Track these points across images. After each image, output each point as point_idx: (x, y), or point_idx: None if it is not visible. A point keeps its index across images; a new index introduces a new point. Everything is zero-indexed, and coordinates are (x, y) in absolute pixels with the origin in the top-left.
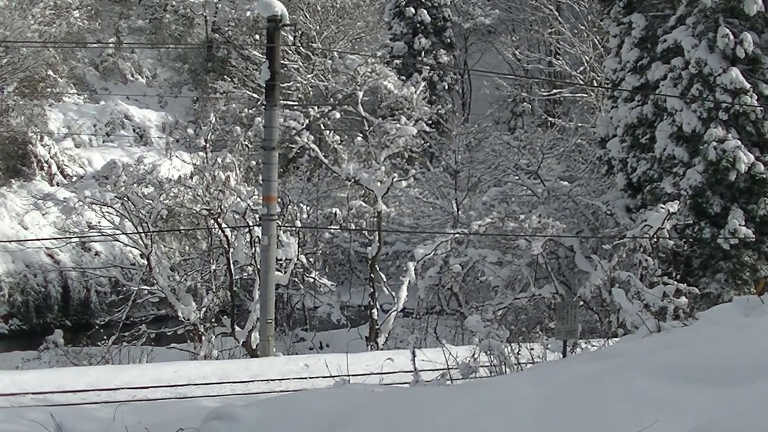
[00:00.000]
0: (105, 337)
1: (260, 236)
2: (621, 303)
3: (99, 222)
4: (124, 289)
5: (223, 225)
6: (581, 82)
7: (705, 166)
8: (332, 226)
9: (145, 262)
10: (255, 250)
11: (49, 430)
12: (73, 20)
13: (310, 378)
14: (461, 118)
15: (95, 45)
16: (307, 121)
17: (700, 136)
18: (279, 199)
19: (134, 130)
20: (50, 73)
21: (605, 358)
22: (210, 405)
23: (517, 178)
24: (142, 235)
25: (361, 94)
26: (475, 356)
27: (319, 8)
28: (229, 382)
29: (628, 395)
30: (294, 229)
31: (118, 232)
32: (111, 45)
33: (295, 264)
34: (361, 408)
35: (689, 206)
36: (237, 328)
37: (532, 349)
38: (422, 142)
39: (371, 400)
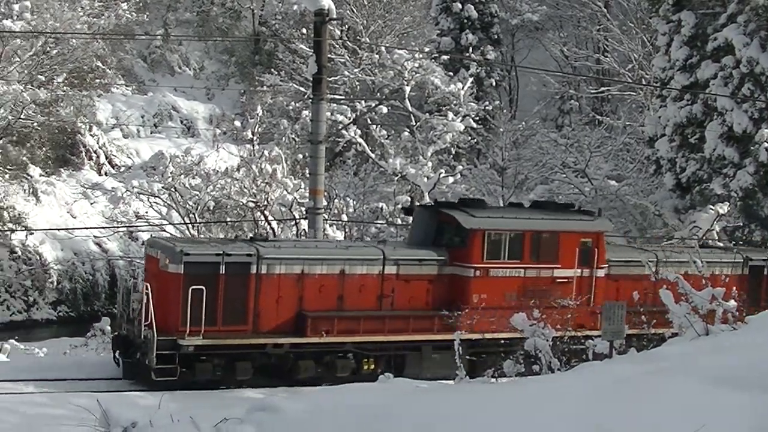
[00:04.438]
0: None
1: (306, 229)
2: (668, 305)
3: (146, 212)
4: None
5: (270, 217)
6: (629, 80)
7: (756, 168)
8: (378, 221)
9: None
10: None
11: (95, 415)
12: (121, 12)
13: None
14: (508, 114)
15: (143, 37)
16: (354, 115)
17: (751, 136)
18: (325, 193)
19: (182, 122)
20: (99, 64)
21: (652, 361)
22: (253, 396)
23: (564, 176)
24: (189, 225)
25: (408, 89)
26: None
27: (366, 2)
28: None
29: (674, 398)
30: (340, 223)
31: (165, 222)
32: (159, 37)
33: None
34: (404, 403)
35: (739, 208)
36: None
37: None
38: (469, 138)
39: (415, 396)
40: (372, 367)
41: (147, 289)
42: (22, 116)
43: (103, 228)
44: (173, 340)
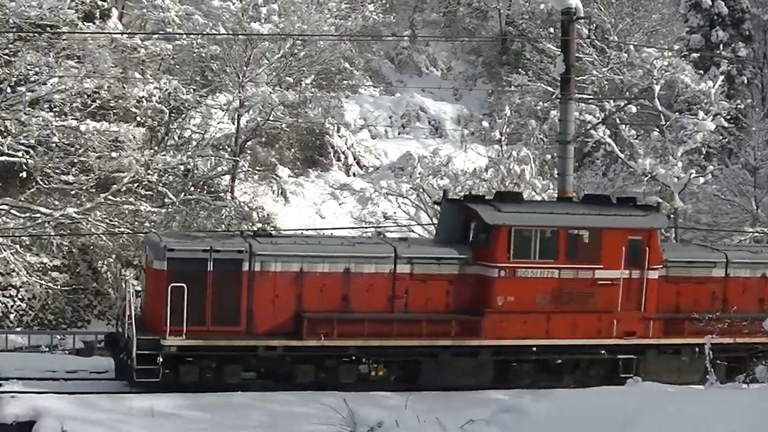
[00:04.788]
0: None
1: None
2: None
3: (394, 212)
4: None
5: None
6: None
7: None
8: None
9: None
10: None
11: (342, 414)
12: (368, 14)
13: None
14: (761, 113)
15: (390, 38)
16: (602, 114)
17: None
18: (574, 194)
19: (429, 123)
20: (346, 65)
21: None
22: (498, 397)
23: None
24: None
25: (657, 88)
26: None
27: (613, 1)
28: None
29: None
30: None
31: (413, 223)
32: (406, 38)
33: None
34: (652, 406)
35: None
36: None
37: None
38: (720, 137)
39: (664, 399)
40: (381, 373)
41: (130, 286)
42: (270, 118)
43: (351, 228)
44: (156, 340)
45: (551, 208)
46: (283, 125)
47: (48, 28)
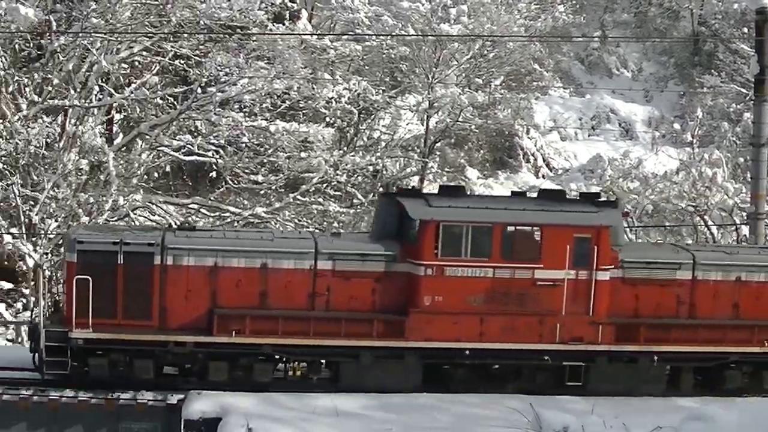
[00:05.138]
0: None
1: (747, 235)
2: None
3: None
4: None
5: (709, 222)
6: None
7: None
8: None
9: None
10: None
11: (527, 418)
12: (558, 14)
13: None
14: None
15: (580, 39)
16: None
17: None
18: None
19: (620, 125)
20: (536, 66)
21: None
22: (685, 404)
23: None
24: (628, 229)
25: None
26: None
27: None
28: None
29: None
30: None
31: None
32: (596, 39)
33: None
34: None
35: None
36: None
37: None
38: None
39: None
40: (299, 373)
41: (42, 276)
42: (460, 119)
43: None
44: (65, 332)
45: (489, 203)
46: (473, 126)
47: (238, 30)
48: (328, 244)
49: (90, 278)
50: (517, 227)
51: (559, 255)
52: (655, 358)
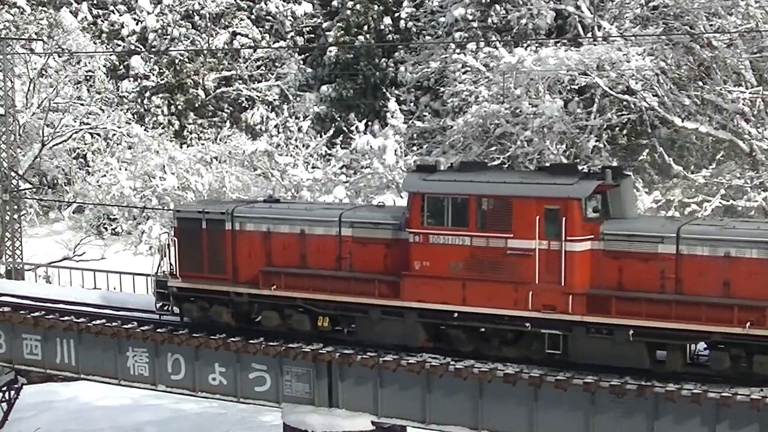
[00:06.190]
0: None
1: None
2: None
3: None
4: None
5: None
6: None
7: None
8: None
9: None
10: None
11: None
12: None
13: None
14: None
15: None
16: None
17: None
18: None
19: None
20: None
21: None
22: None
23: None
24: None
25: None
26: None
27: None
28: None
29: None
30: None
31: None
32: None
33: None
34: None
35: None
36: None
37: None
38: None
39: None
40: (326, 324)
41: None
42: None
43: None
44: (165, 282)
45: (471, 176)
46: None
47: None
48: (350, 214)
49: (183, 240)
50: (489, 199)
51: (529, 226)
52: (630, 332)
